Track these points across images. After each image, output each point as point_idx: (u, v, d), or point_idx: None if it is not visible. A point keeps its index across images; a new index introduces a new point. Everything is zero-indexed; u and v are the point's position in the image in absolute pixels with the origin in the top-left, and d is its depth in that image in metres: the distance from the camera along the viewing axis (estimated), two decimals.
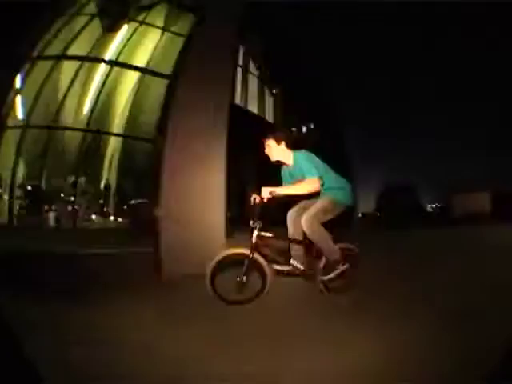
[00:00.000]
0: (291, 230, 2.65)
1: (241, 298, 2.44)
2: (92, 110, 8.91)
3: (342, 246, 2.59)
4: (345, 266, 2.53)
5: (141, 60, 9.32)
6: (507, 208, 20.22)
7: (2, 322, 1.43)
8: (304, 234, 2.50)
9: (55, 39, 8.57)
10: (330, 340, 1.78)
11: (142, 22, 9.51)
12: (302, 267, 2.55)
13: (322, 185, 2.42)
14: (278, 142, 2.54)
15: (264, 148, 2.61)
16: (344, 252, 2.57)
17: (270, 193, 2.38)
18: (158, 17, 9.63)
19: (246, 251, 2.43)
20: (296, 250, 2.63)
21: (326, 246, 2.44)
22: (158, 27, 9.60)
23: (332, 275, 2.52)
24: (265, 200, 2.43)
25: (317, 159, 2.55)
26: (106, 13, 8.73)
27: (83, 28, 9.01)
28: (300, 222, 2.44)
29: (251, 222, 2.46)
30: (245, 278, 2.41)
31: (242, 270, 2.41)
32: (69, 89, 8.77)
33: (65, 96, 8.75)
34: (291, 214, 2.67)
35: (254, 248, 2.43)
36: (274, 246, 2.61)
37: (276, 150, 2.56)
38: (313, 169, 2.38)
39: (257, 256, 2.45)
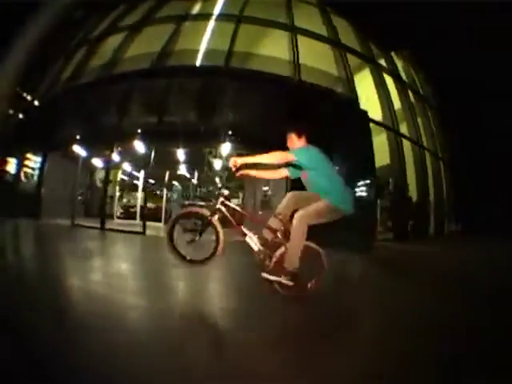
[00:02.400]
0: (281, 208, 2.51)
1: (195, 257, 2.53)
2: None
3: (307, 243, 2.39)
4: (287, 282, 2.30)
5: None
6: None
7: None
8: (285, 221, 2.45)
9: None
10: None
11: None
12: (255, 248, 2.44)
13: (294, 163, 2.37)
14: (300, 137, 2.53)
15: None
16: (308, 249, 2.39)
17: (235, 161, 2.37)
18: None
19: (206, 212, 2.51)
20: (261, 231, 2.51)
21: (293, 250, 2.29)
22: None
23: (272, 278, 2.33)
24: (233, 169, 2.42)
25: (323, 157, 2.43)
26: None
27: None
28: (289, 205, 2.46)
29: (219, 188, 2.55)
30: (198, 238, 2.48)
31: (198, 229, 2.49)
32: None
33: None
34: (291, 195, 2.55)
35: (214, 212, 2.49)
36: (237, 218, 2.57)
37: (295, 144, 2.52)
38: (302, 154, 2.36)
39: (215, 220, 2.49)
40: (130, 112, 7.71)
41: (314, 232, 2.34)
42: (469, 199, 13.54)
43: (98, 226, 7.24)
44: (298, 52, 8.25)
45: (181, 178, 12.53)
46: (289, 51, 8.32)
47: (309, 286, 2.46)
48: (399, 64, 11.62)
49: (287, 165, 2.56)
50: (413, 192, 9.69)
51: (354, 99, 8.15)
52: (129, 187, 12.61)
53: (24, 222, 7.19)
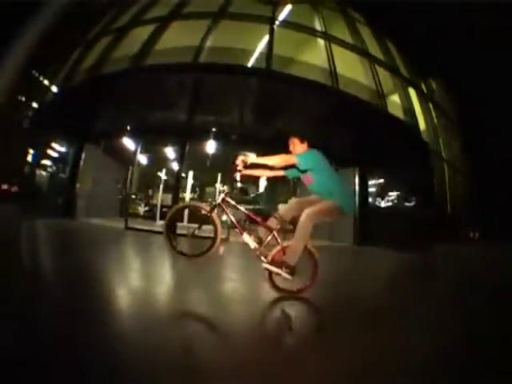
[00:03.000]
0: (283, 211, 2.61)
1: (192, 250, 2.62)
2: None
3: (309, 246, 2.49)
4: (287, 275, 2.39)
5: None
6: None
7: None
8: (283, 222, 2.54)
9: None
10: None
11: None
12: (252, 246, 2.50)
13: (297, 166, 2.51)
14: (302, 141, 2.65)
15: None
16: (306, 250, 2.48)
17: (243, 160, 2.47)
18: None
19: (206, 207, 2.57)
20: (259, 229, 2.60)
21: (295, 247, 2.40)
22: None
23: (274, 268, 2.40)
24: (239, 167, 2.50)
25: (325, 161, 2.57)
26: None
27: None
28: (292, 209, 2.57)
29: (220, 185, 2.59)
30: (197, 232, 2.56)
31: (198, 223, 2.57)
32: None
33: None
34: (295, 201, 2.65)
35: (214, 208, 2.57)
36: (236, 215, 2.64)
37: (298, 148, 2.65)
38: (305, 158, 2.50)
39: (214, 215, 2.56)
40: (178, 109, 7.40)
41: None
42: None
43: (158, 230, 6.42)
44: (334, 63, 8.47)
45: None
46: (327, 60, 8.56)
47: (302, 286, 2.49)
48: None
49: (287, 167, 2.63)
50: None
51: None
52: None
53: (56, 223, 6.43)
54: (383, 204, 6.74)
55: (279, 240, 2.51)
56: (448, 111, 12.92)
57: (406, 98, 10.17)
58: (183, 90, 7.36)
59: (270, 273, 2.43)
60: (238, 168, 2.51)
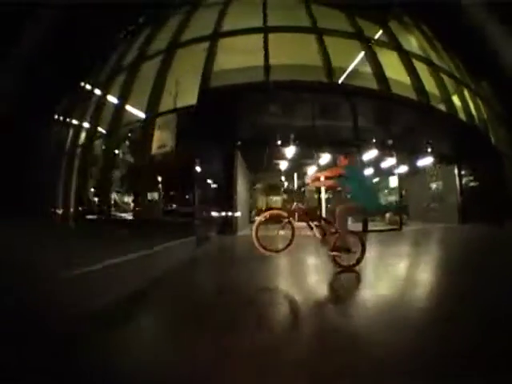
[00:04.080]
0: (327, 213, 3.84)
1: (276, 247, 3.77)
2: None
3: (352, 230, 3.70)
4: (345, 253, 3.46)
5: None
6: None
7: None
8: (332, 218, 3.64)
9: None
10: None
11: None
12: (319, 236, 3.64)
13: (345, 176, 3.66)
14: (346, 158, 3.83)
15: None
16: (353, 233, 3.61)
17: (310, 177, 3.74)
18: None
19: (285, 214, 3.79)
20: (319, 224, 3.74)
21: (341, 234, 3.47)
22: None
23: (334, 253, 3.46)
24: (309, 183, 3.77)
25: (360, 173, 3.96)
26: None
27: None
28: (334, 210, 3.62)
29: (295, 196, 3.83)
30: (281, 232, 3.75)
31: (280, 226, 3.77)
32: None
33: None
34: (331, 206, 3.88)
35: (292, 214, 3.77)
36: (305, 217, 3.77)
37: (343, 162, 3.82)
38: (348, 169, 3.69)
39: (292, 220, 3.75)
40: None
41: None
42: None
43: None
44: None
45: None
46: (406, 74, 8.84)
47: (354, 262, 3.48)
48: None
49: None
50: None
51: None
52: None
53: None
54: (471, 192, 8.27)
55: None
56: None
57: (464, 101, 10.32)
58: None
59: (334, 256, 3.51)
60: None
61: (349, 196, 3.74)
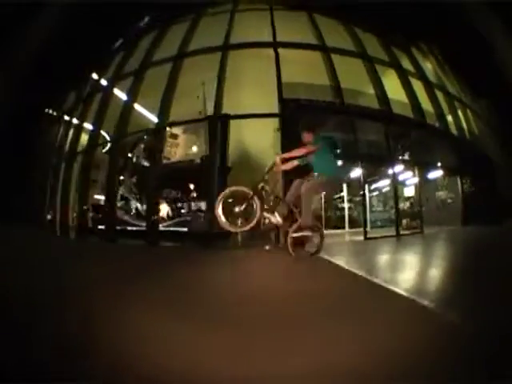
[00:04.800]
0: (289, 193, 3.59)
1: (238, 225, 3.55)
2: None
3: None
4: (309, 233, 3.37)
5: None
6: None
7: None
8: (295, 199, 3.45)
9: None
10: None
11: None
12: (280, 220, 3.48)
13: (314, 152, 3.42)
14: (309, 132, 3.58)
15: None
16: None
17: (281, 159, 3.54)
18: None
19: (249, 191, 3.53)
20: (282, 208, 3.55)
21: (304, 212, 3.30)
22: None
23: (297, 234, 3.34)
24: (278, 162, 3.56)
25: (326, 146, 3.57)
26: None
27: None
28: (299, 189, 3.42)
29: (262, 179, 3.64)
30: (241, 208, 3.52)
31: (242, 204, 3.54)
32: None
33: None
34: (298, 182, 3.58)
35: (255, 192, 3.54)
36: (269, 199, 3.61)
37: (308, 138, 3.56)
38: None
39: (255, 198, 3.51)
40: None
41: None
42: None
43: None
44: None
45: None
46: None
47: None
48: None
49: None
50: None
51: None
52: None
53: None
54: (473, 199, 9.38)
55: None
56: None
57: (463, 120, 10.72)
58: None
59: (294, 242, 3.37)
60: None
61: (314, 173, 3.53)
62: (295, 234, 3.33)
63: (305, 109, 6.61)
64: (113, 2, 8.70)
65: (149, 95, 8.15)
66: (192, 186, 8.45)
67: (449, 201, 10.41)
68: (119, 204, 8.52)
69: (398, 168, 8.45)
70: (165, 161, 8.07)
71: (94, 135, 8.87)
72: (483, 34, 10.25)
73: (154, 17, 9.88)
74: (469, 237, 6.46)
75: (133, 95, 8.36)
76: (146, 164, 8.73)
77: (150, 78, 8.32)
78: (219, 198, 3.50)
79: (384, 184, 10.74)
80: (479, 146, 10.60)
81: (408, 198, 10.28)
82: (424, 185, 9.88)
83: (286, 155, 3.56)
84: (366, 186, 10.12)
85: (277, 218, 3.44)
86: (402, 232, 7.33)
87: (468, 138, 10.32)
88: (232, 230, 3.53)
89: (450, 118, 9.81)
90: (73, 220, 8.79)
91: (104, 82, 9.58)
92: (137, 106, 8.58)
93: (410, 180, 9.60)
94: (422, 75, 9.76)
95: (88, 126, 9.34)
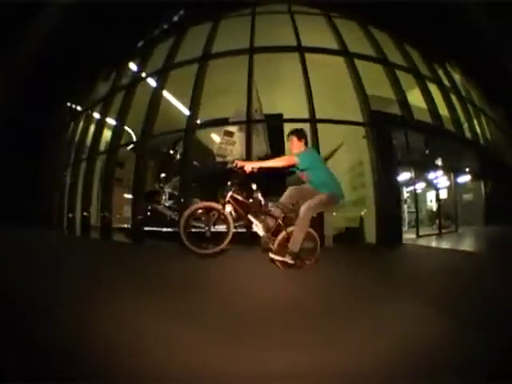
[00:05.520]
0: (284, 200, 2.83)
1: (207, 247, 2.86)
2: None
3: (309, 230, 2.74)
4: (290, 261, 2.59)
5: None
6: None
7: None
8: (286, 210, 2.78)
9: None
10: None
11: None
12: (261, 233, 2.74)
13: (297, 165, 2.77)
14: (300, 139, 2.92)
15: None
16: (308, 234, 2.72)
17: (252, 168, 2.78)
18: None
19: (217, 206, 2.84)
20: (263, 220, 2.81)
21: (297, 236, 2.60)
22: None
23: (279, 258, 2.61)
24: (247, 172, 2.79)
25: (320, 157, 3.01)
26: None
27: None
28: (293, 198, 2.80)
29: (229, 183, 2.88)
30: (211, 228, 2.85)
31: (210, 221, 2.86)
32: None
33: None
34: (293, 189, 2.88)
35: (225, 204, 2.83)
36: (244, 208, 2.86)
37: (296, 146, 2.91)
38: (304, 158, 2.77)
39: (226, 212, 2.82)
40: None
41: None
42: None
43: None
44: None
45: None
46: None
47: (307, 263, 2.75)
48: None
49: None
50: None
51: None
52: None
53: None
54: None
55: (283, 227, 2.74)
56: None
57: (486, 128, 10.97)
58: None
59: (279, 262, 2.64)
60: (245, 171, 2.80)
61: (310, 185, 2.84)
62: (276, 258, 2.59)
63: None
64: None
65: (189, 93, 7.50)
66: (254, 186, 7.94)
67: (473, 203, 11.24)
68: (167, 204, 7.93)
69: (433, 173, 9.27)
70: (219, 159, 7.52)
71: (120, 132, 8.27)
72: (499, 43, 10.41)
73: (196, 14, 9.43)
74: (494, 235, 7.25)
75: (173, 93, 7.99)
76: (195, 163, 8.14)
77: (191, 76, 7.62)
78: (183, 217, 2.83)
79: (419, 187, 10.94)
80: (499, 153, 11.10)
81: (441, 200, 10.48)
82: (454, 188, 10.20)
83: (259, 164, 2.84)
84: (409, 188, 10.16)
85: (260, 230, 2.75)
86: (440, 231, 7.84)
87: (490, 146, 10.69)
88: (199, 251, 2.83)
89: (476, 126, 10.13)
90: (100, 220, 8.10)
91: (144, 77, 8.89)
92: (177, 104, 8.28)
93: (442, 183, 10.14)
94: (449, 86, 9.55)
95: (115, 122, 8.60)
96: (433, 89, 8.72)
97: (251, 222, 2.76)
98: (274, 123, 6.63)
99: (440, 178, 9.69)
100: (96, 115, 9.50)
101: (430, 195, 12.25)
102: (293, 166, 2.79)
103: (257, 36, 7.41)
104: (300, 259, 2.61)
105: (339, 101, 6.71)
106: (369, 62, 7.49)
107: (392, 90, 7.46)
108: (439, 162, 8.85)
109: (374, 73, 7.40)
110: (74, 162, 9.55)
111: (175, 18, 9.79)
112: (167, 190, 7.75)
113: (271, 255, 2.60)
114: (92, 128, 9.38)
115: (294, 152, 2.86)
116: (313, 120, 6.08)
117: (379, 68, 7.64)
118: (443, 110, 8.64)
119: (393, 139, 6.60)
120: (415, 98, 7.97)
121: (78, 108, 11.03)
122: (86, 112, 10.31)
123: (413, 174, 7.96)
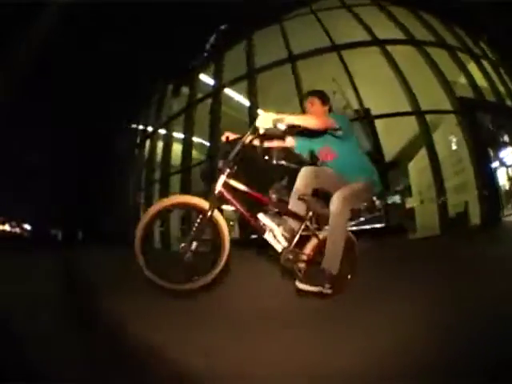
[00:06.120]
0: (300, 187, 1.79)
1: (187, 279, 1.61)
2: None
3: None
4: (328, 291, 1.66)
5: None
6: None
7: None
8: (313, 204, 1.74)
9: None
10: None
11: None
12: (279, 247, 1.64)
13: (336, 131, 1.73)
14: (324, 103, 1.98)
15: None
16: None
17: (276, 120, 1.48)
18: None
19: (203, 204, 1.60)
20: (281, 221, 1.67)
21: (335, 245, 1.65)
22: None
23: (311, 288, 1.65)
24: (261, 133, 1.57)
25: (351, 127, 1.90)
26: None
27: None
28: (308, 184, 1.81)
29: (220, 162, 1.64)
30: (194, 246, 1.56)
31: (191, 231, 1.57)
32: None
33: None
34: (310, 170, 1.85)
35: (216, 200, 1.58)
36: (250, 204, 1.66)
37: (319, 110, 1.95)
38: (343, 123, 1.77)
39: (216, 213, 1.60)
40: None
41: None
42: None
43: None
44: None
45: None
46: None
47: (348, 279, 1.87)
48: None
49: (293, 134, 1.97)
50: None
51: None
52: None
53: None
54: None
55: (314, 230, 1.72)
56: None
57: None
58: None
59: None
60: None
61: (334, 169, 1.88)
62: (309, 289, 1.64)
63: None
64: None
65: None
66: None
67: None
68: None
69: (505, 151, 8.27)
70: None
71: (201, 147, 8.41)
72: None
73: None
74: None
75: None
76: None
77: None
78: (142, 221, 1.58)
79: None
80: None
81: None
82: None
83: (293, 120, 1.53)
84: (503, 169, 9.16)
85: (277, 238, 1.62)
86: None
87: None
88: (170, 286, 1.60)
89: None
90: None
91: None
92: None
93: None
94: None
95: (191, 138, 8.52)
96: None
97: (263, 228, 1.61)
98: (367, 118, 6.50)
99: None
100: (168, 133, 9.34)
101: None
102: (324, 131, 1.70)
103: (332, 34, 7.44)
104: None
105: (422, 92, 6.61)
106: (433, 47, 7.36)
107: (463, 74, 7.37)
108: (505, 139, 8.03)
109: (440, 59, 7.21)
110: (148, 182, 9.55)
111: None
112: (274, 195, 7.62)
113: (300, 285, 1.62)
114: (165, 146, 9.24)
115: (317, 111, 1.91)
116: (409, 113, 6.30)
117: (444, 53, 7.41)
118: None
119: (482, 122, 6.77)
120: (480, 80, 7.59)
121: (149, 128, 11.04)
122: (156, 131, 10.21)
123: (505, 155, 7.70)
